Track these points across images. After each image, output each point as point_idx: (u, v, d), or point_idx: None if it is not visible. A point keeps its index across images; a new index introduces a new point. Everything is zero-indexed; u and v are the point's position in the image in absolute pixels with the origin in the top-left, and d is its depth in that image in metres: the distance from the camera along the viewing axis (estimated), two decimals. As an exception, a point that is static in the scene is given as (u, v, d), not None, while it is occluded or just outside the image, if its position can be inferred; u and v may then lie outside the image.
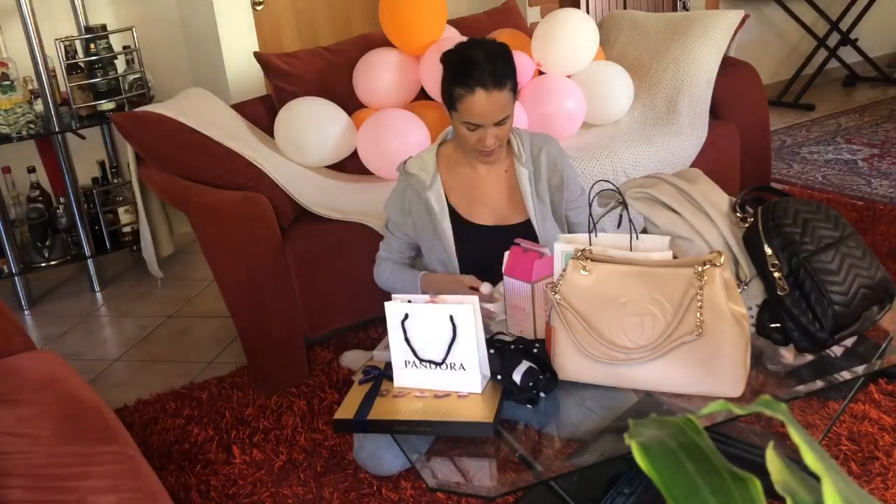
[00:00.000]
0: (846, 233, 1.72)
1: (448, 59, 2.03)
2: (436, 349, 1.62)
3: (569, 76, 3.16)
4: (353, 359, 2.62)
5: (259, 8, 3.84)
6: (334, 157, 2.94)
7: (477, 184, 2.15)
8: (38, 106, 3.37)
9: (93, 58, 3.40)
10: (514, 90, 2.01)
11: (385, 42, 3.08)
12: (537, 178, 2.14)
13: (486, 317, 1.90)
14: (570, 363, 1.64)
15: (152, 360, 2.97)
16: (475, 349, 1.60)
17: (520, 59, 3.00)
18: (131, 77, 3.48)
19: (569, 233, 2.20)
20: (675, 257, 1.67)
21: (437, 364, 1.63)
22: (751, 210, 1.81)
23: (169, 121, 2.56)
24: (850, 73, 5.49)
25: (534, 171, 2.14)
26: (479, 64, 1.94)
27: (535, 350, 1.66)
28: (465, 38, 3.01)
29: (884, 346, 1.76)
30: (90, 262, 3.54)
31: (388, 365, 1.70)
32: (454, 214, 2.14)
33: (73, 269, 3.72)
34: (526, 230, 2.11)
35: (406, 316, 1.63)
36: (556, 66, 3.13)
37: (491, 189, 2.15)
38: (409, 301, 1.64)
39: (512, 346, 1.68)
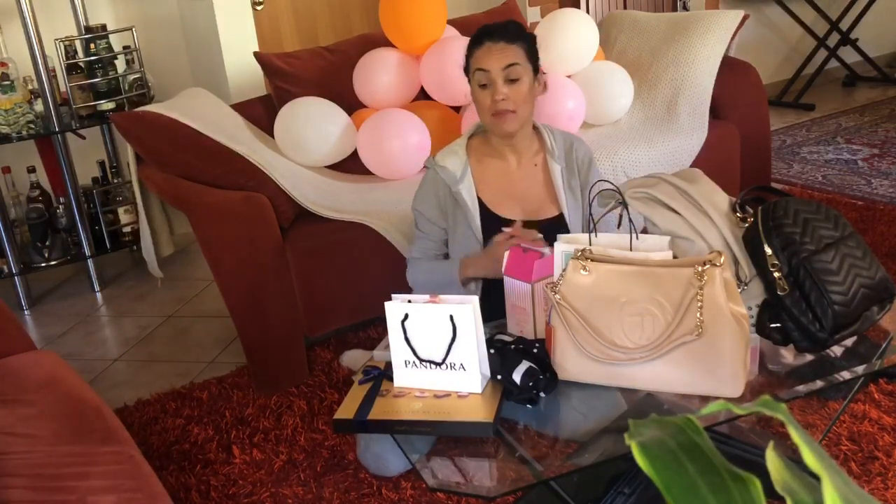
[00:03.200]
0: (846, 233, 1.72)
1: None
2: (436, 349, 1.62)
3: (569, 76, 3.16)
4: (353, 359, 2.62)
5: (259, 8, 3.84)
6: (334, 157, 2.94)
7: (507, 177, 2.15)
8: (38, 106, 3.37)
9: (93, 58, 3.40)
10: (530, 57, 2.07)
11: (385, 42, 3.08)
12: (570, 174, 2.17)
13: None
14: (570, 363, 1.64)
15: (152, 360, 2.97)
16: (475, 349, 1.59)
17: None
18: (131, 77, 3.48)
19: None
20: (675, 257, 1.67)
21: (437, 364, 1.62)
22: (751, 210, 1.81)
23: (169, 121, 2.56)
24: (850, 73, 5.49)
25: (566, 167, 2.16)
26: (493, 24, 2.09)
27: (535, 350, 1.66)
28: (466, 38, 3.03)
29: (884, 346, 1.76)
30: (90, 262, 3.54)
31: (388, 365, 1.69)
32: (483, 208, 2.14)
33: (73, 269, 3.72)
34: (556, 225, 2.12)
35: (406, 316, 1.63)
36: (556, 66, 3.13)
37: (521, 183, 2.16)
38: (409, 301, 1.64)
39: (512, 346, 1.68)
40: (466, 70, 2.12)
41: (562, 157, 2.17)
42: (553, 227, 2.08)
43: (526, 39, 2.08)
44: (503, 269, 1.85)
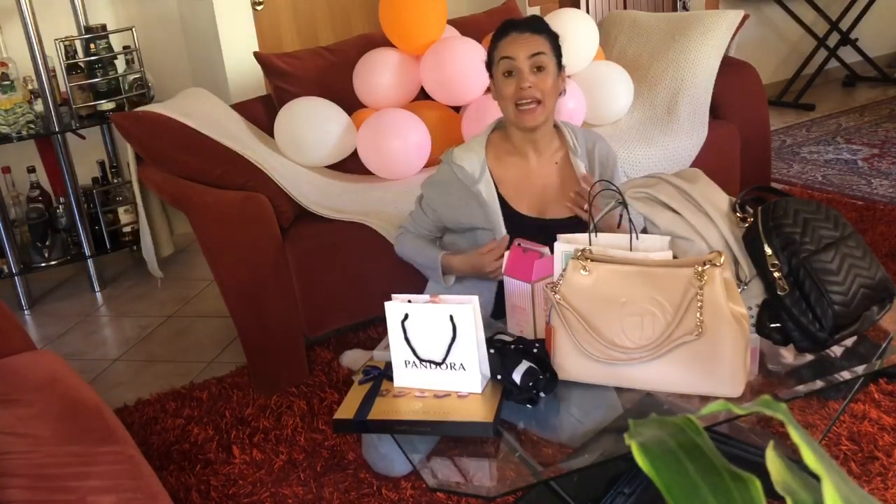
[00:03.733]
0: (846, 233, 1.72)
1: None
2: (436, 349, 1.62)
3: (569, 76, 3.15)
4: (353, 358, 2.62)
5: (259, 8, 3.84)
6: (334, 157, 2.94)
7: (527, 174, 2.14)
8: (38, 106, 3.37)
9: (93, 58, 3.40)
10: (555, 49, 2.07)
11: (385, 42, 3.08)
12: (591, 173, 2.15)
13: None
14: (570, 363, 1.64)
15: (152, 360, 2.97)
16: (475, 349, 1.60)
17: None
18: (131, 77, 3.48)
19: None
20: (675, 257, 1.67)
21: (437, 364, 1.62)
22: (751, 210, 1.81)
23: (169, 121, 2.56)
24: (850, 73, 5.49)
25: (588, 165, 2.15)
26: (517, 19, 2.11)
27: (535, 350, 1.66)
28: (466, 38, 3.03)
29: (884, 346, 1.76)
30: (90, 262, 3.54)
31: (388, 365, 1.70)
32: (503, 204, 2.13)
33: (73, 269, 3.72)
34: (575, 224, 2.06)
35: (406, 316, 1.63)
36: (556, 66, 3.13)
37: (541, 181, 2.14)
38: (409, 301, 1.64)
39: (512, 346, 1.68)
40: (489, 64, 2.11)
41: (584, 154, 2.15)
42: (571, 226, 2.03)
43: (551, 34, 2.09)
44: (503, 270, 1.85)
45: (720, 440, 1.99)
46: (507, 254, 1.86)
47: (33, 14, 3.23)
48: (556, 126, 2.18)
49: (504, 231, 2.10)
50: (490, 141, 2.16)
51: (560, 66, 2.09)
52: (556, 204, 2.13)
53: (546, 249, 1.82)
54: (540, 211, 2.13)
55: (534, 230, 2.05)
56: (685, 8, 4.82)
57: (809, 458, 0.61)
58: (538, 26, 2.07)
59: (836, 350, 1.74)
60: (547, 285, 1.69)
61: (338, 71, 3.08)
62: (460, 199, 2.13)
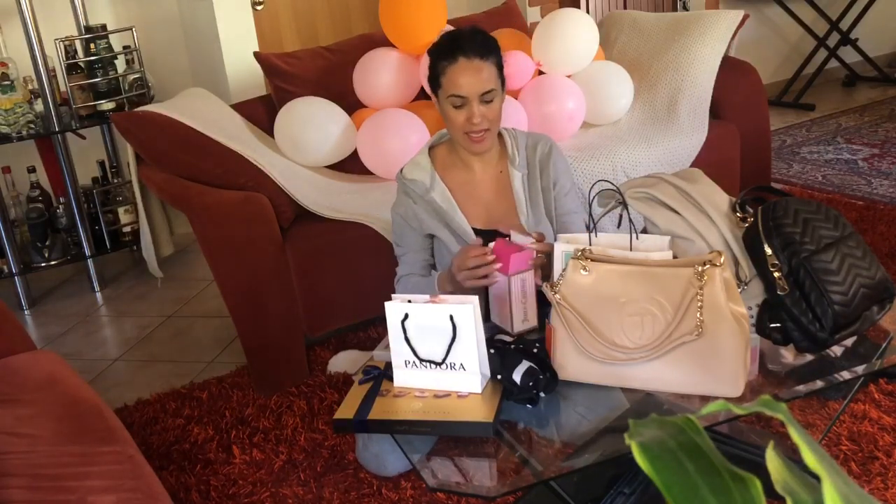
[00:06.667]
0: (846, 233, 1.72)
1: (432, 44, 2.09)
2: (436, 349, 1.62)
3: (569, 76, 3.16)
4: (341, 361, 2.61)
5: (259, 8, 3.84)
6: (334, 157, 2.94)
7: (472, 185, 2.13)
8: (38, 106, 3.37)
9: (93, 58, 3.40)
10: (500, 70, 2.02)
11: (385, 42, 3.08)
12: (531, 181, 2.12)
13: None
14: (570, 363, 1.64)
15: (152, 360, 2.97)
16: (475, 349, 1.59)
17: (520, 59, 3.01)
18: (131, 77, 3.49)
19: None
20: (675, 257, 1.67)
21: (437, 364, 1.62)
22: (751, 210, 1.81)
23: (169, 121, 2.57)
24: (850, 73, 5.49)
25: (528, 174, 2.12)
26: (462, 36, 2.01)
27: (535, 350, 1.66)
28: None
29: (884, 346, 1.76)
30: (90, 262, 3.54)
31: (388, 365, 1.70)
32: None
33: (73, 269, 3.72)
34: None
35: (406, 316, 1.63)
36: (556, 66, 3.13)
37: (486, 193, 2.13)
38: (409, 301, 1.64)
39: (512, 346, 1.68)
40: (433, 81, 2.04)
41: (524, 163, 2.11)
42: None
43: (497, 52, 2.02)
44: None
45: (720, 440, 1.99)
46: (491, 244, 1.85)
47: (33, 14, 3.23)
48: (499, 133, 2.14)
49: (471, 232, 2.07)
50: (435, 155, 2.15)
51: (503, 84, 2.05)
52: (500, 214, 2.10)
53: (530, 242, 1.82)
54: (486, 221, 2.11)
55: (482, 240, 2.02)
56: (685, 8, 4.82)
57: (809, 458, 0.61)
58: (485, 47, 1.98)
59: (836, 350, 1.74)
60: (548, 285, 1.69)
61: (338, 71, 3.08)
62: (420, 211, 2.10)
